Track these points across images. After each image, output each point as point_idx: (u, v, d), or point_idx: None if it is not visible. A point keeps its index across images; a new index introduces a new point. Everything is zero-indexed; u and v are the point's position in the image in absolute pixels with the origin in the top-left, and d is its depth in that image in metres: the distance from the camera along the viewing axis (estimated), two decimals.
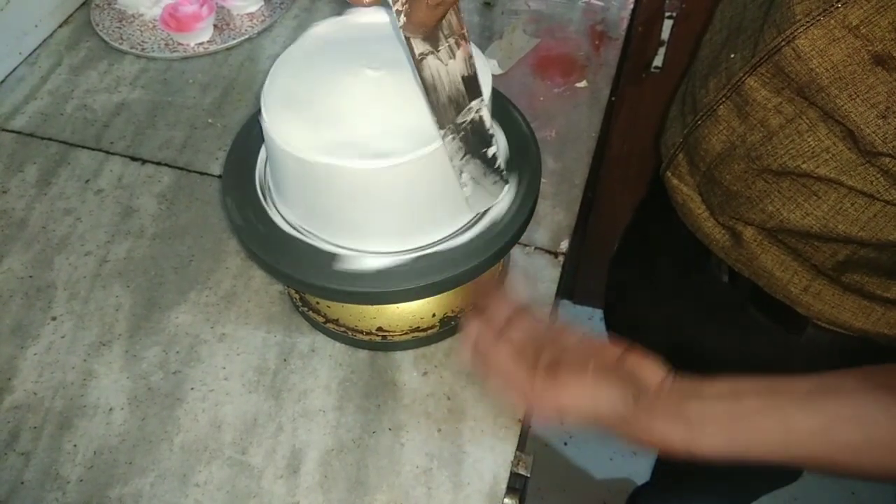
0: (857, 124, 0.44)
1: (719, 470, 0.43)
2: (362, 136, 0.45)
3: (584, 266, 1.53)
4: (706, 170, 0.58)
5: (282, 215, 0.52)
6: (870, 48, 0.42)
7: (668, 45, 1.09)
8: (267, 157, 0.54)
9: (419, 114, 0.46)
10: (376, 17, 0.53)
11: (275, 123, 0.46)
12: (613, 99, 0.83)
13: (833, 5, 0.43)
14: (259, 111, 0.47)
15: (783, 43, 0.47)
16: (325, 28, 0.53)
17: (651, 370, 0.44)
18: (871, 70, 0.43)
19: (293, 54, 0.51)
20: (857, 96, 0.44)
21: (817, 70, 0.45)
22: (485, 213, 0.51)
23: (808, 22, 0.45)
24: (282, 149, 0.45)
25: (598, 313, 1.65)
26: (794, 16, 0.45)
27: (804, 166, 0.49)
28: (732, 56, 0.55)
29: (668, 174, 0.64)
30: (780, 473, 0.88)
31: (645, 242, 0.84)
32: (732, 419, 0.41)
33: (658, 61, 1.12)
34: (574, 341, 0.46)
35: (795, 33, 0.45)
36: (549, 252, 0.65)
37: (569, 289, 1.64)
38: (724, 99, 0.54)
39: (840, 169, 0.48)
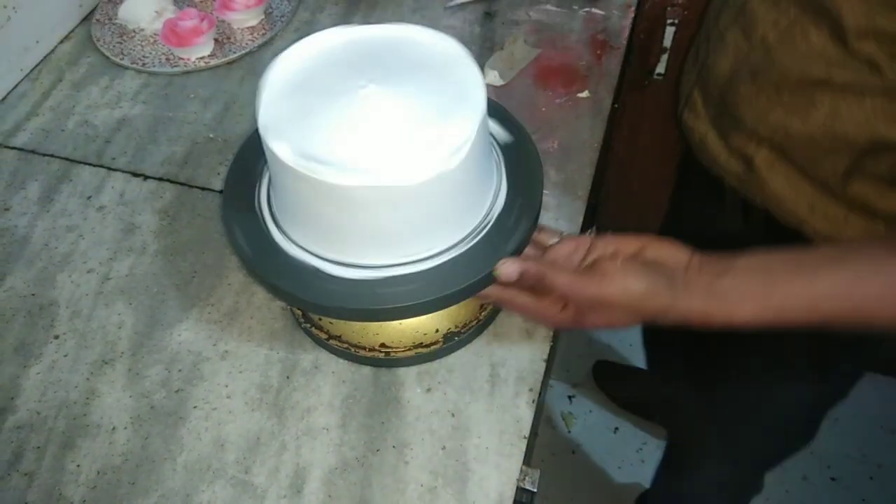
0: (841, 9, 0.49)
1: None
2: (366, 153, 0.45)
3: None
4: (718, 98, 0.64)
5: (282, 230, 0.51)
6: None
7: (670, 52, 1.09)
8: (269, 173, 0.54)
9: (423, 129, 0.46)
10: (374, 29, 0.53)
11: (276, 141, 0.46)
12: (616, 106, 0.83)
13: None
14: (259, 127, 0.47)
15: None
16: (323, 38, 0.52)
17: (675, 253, 0.47)
18: None
19: (289, 65, 0.51)
20: None
21: None
22: (487, 226, 0.51)
23: None
24: (284, 165, 0.45)
25: None
26: None
27: (799, 70, 0.54)
28: None
29: (685, 114, 0.70)
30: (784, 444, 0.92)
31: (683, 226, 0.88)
32: (765, 287, 0.44)
33: (661, 68, 1.12)
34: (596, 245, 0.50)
35: None
36: None
37: None
38: (731, 24, 0.61)
39: (830, 66, 0.52)
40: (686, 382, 0.98)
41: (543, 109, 0.78)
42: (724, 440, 0.93)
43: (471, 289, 0.49)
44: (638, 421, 1.46)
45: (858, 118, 0.52)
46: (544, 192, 0.55)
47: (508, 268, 0.48)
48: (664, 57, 1.10)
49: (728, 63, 0.62)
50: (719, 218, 0.72)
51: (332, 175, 0.44)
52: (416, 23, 0.55)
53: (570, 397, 1.52)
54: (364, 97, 0.47)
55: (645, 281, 0.46)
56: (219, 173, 0.73)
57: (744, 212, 0.68)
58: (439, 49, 0.51)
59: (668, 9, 1.04)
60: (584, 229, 0.68)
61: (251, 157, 0.56)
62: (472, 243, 0.50)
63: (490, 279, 0.50)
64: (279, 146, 0.45)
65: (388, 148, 0.45)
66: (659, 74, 1.13)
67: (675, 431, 1.18)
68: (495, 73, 0.80)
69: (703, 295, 0.45)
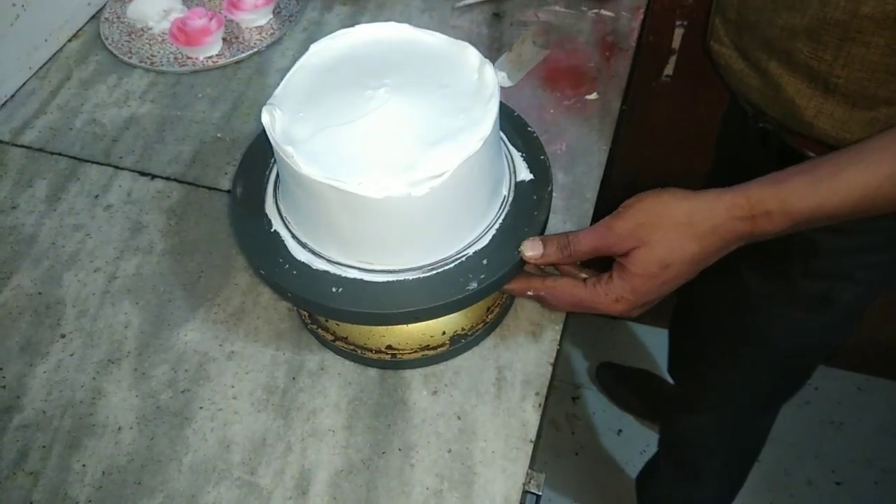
0: None
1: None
2: (403, 156, 0.45)
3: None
4: (735, 17, 0.67)
5: (291, 231, 0.51)
6: None
7: (679, 54, 1.09)
8: (277, 175, 0.54)
9: (444, 118, 0.46)
10: (384, 31, 0.53)
11: (310, 165, 0.45)
12: (624, 108, 0.83)
13: None
14: (285, 155, 0.47)
15: None
16: (334, 42, 0.52)
17: (713, 209, 0.47)
18: None
19: (302, 68, 0.51)
20: None
21: None
22: (511, 198, 0.52)
23: None
24: (295, 172, 0.45)
25: (608, 321, 1.64)
26: None
27: None
28: None
29: (712, 44, 0.72)
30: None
31: None
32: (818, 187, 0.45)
33: (669, 70, 1.12)
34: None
35: None
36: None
37: None
38: None
39: None
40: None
41: (552, 111, 0.78)
42: (720, 379, 0.95)
43: (476, 295, 0.49)
44: (642, 423, 1.46)
45: (844, 2, 0.55)
46: (553, 194, 0.55)
47: (532, 244, 0.49)
48: (673, 59, 1.10)
49: None
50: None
51: (344, 182, 0.44)
52: (425, 23, 0.55)
53: (573, 399, 1.51)
54: (377, 103, 0.47)
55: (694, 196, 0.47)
56: (226, 173, 0.73)
57: (763, 142, 0.72)
58: (453, 52, 0.51)
59: (678, 10, 1.04)
60: None
61: (259, 156, 0.56)
62: (479, 248, 0.50)
63: (498, 284, 0.49)
64: (291, 153, 0.45)
65: (400, 154, 0.45)
66: (667, 76, 1.13)
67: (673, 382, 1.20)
68: (503, 74, 0.80)
69: (764, 220, 0.46)
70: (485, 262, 0.49)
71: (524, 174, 0.54)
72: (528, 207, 0.52)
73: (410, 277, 0.49)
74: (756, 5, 0.64)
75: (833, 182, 0.46)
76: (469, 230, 0.50)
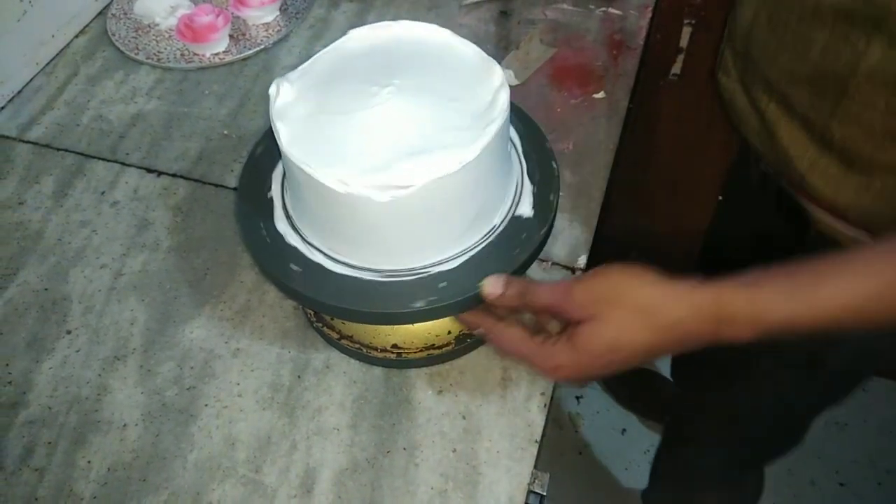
0: None
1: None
2: (381, 158, 0.45)
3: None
4: (742, 51, 0.65)
5: (297, 229, 0.51)
6: None
7: (686, 53, 1.08)
8: (284, 174, 0.54)
9: (437, 132, 0.46)
10: (424, 31, 0.52)
11: (292, 144, 0.46)
12: (631, 107, 0.82)
13: None
14: (274, 129, 0.47)
15: None
16: (372, 32, 0.52)
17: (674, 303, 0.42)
18: None
19: (333, 51, 0.51)
20: None
21: None
22: (501, 229, 0.51)
23: None
24: (300, 170, 0.45)
25: None
26: None
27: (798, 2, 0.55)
28: None
29: (719, 75, 0.70)
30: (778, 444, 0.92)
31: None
32: (796, 298, 0.41)
33: (677, 69, 1.11)
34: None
35: None
36: (567, 267, 0.64)
37: None
38: None
39: None
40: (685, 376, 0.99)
41: (559, 110, 0.77)
42: (714, 428, 0.94)
43: (425, 313, 0.48)
44: (645, 422, 1.46)
45: (848, 52, 0.52)
46: (559, 194, 0.55)
47: (494, 282, 0.46)
48: (680, 57, 1.09)
49: (750, 10, 0.63)
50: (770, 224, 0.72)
51: (311, 167, 0.44)
52: (432, 20, 0.54)
53: (577, 398, 1.51)
54: (378, 100, 0.47)
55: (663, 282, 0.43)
56: (233, 170, 0.73)
57: (763, 183, 0.70)
58: (462, 52, 0.50)
59: (686, 8, 1.03)
60: (597, 231, 0.68)
61: (266, 154, 0.56)
62: (486, 247, 0.50)
63: (447, 310, 0.48)
64: (279, 129, 0.45)
65: (380, 155, 0.45)
66: (675, 75, 1.12)
67: (671, 422, 1.19)
68: (511, 72, 0.80)
69: (738, 325, 0.41)
70: (442, 284, 0.48)
71: (526, 209, 0.52)
72: (512, 244, 0.50)
73: (366, 277, 0.48)
74: (761, 40, 0.63)
75: (809, 295, 0.41)
76: (435, 249, 0.49)
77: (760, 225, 0.78)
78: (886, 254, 0.42)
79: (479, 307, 0.48)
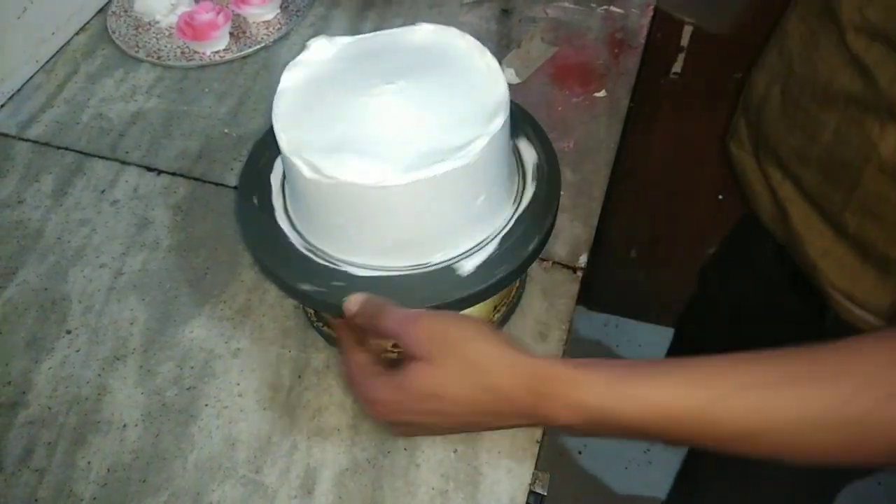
0: (848, 9, 0.50)
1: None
2: (380, 154, 0.45)
3: (598, 273, 1.52)
4: (756, 122, 0.64)
5: (296, 228, 0.51)
6: None
7: (687, 52, 1.08)
8: (284, 173, 0.53)
9: (437, 128, 0.46)
10: (453, 38, 0.52)
11: (290, 141, 0.46)
12: (632, 105, 0.82)
13: None
14: (273, 128, 0.47)
15: None
16: (334, 41, 0.52)
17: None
18: None
19: (301, 68, 0.51)
20: None
21: None
22: (503, 228, 0.51)
23: None
24: (299, 168, 0.44)
25: (614, 319, 1.64)
26: None
27: (812, 81, 0.55)
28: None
29: (731, 144, 0.69)
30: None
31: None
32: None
33: (677, 67, 1.11)
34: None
35: None
36: (568, 267, 0.64)
37: (584, 295, 1.64)
38: (772, 45, 0.63)
39: (833, 73, 0.53)
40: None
41: (560, 108, 0.77)
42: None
43: (485, 292, 0.48)
44: None
45: (860, 139, 0.51)
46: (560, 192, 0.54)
47: (356, 299, 0.44)
48: (681, 56, 1.09)
49: (763, 82, 0.62)
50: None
51: (347, 176, 0.43)
52: (433, 19, 0.55)
53: None
54: (381, 99, 0.47)
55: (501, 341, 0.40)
56: (233, 169, 0.72)
57: (779, 261, 0.66)
58: (462, 50, 0.50)
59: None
60: (598, 230, 0.68)
61: (266, 153, 0.56)
62: (488, 246, 0.50)
63: (507, 282, 0.49)
64: (294, 153, 0.45)
65: (408, 151, 0.45)
66: (675, 73, 1.12)
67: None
68: (512, 70, 0.79)
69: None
70: (494, 260, 0.49)
71: (526, 206, 0.51)
72: (513, 243, 0.49)
73: (417, 273, 0.48)
74: (773, 115, 0.61)
75: (635, 386, 0.37)
76: (439, 247, 0.49)
77: (768, 297, 0.74)
78: (726, 366, 0.37)
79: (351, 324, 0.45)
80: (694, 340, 1.00)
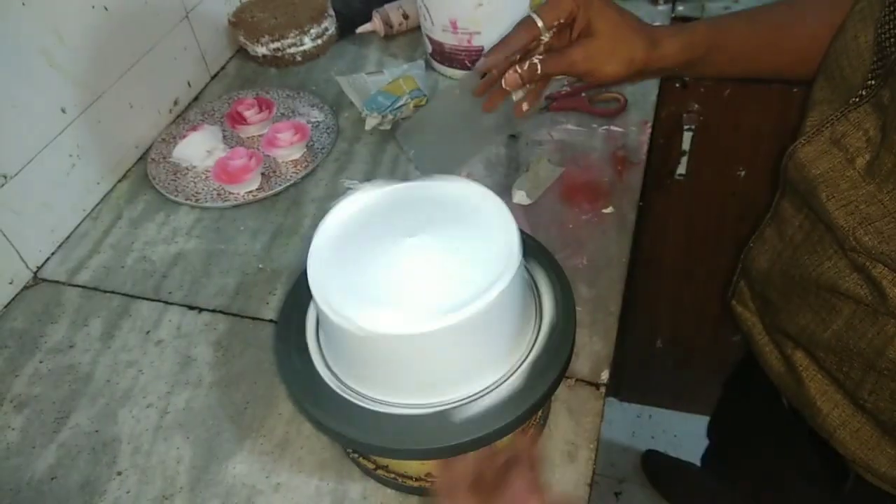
0: (834, 219, 0.51)
1: None
2: (408, 303, 0.49)
3: (628, 363, 1.53)
4: (760, 290, 0.65)
5: (331, 368, 0.55)
6: (848, 157, 0.50)
7: (690, 154, 1.13)
8: (318, 314, 0.57)
9: (461, 277, 0.50)
10: (399, 188, 0.57)
11: (323, 293, 0.50)
12: (641, 204, 0.86)
13: (824, 124, 0.52)
14: (308, 277, 0.51)
15: (787, 158, 0.57)
16: (360, 197, 0.57)
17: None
18: (849, 177, 0.50)
19: (331, 225, 0.55)
20: (841, 204, 0.51)
21: (811, 178, 0.53)
22: (526, 357, 0.54)
23: (805, 140, 0.55)
24: (333, 322, 0.49)
25: (647, 410, 1.63)
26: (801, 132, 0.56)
27: (815, 274, 0.55)
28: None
29: (734, 303, 0.70)
30: None
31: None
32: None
33: (682, 169, 1.16)
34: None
35: (796, 148, 0.56)
36: (591, 384, 0.67)
37: (614, 386, 1.64)
38: (769, 221, 0.65)
39: (838, 276, 0.53)
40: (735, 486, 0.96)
41: (570, 226, 0.82)
42: None
43: (516, 423, 0.51)
44: None
45: (873, 333, 0.51)
46: (577, 308, 0.57)
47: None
48: (684, 159, 1.14)
49: (765, 260, 0.63)
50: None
51: (375, 326, 0.47)
52: None
53: (616, 494, 1.49)
54: (405, 251, 0.51)
55: None
56: (268, 303, 0.77)
57: (794, 421, 0.66)
58: (475, 199, 0.55)
59: (685, 115, 1.09)
60: (617, 345, 0.70)
61: (302, 291, 0.60)
62: (513, 375, 0.53)
63: (535, 409, 0.51)
64: (328, 305, 0.49)
65: (430, 296, 0.49)
66: (680, 175, 1.17)
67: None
68: (522, 192, 0.85)
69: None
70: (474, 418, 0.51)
71: (546, 332, 0.55)
72: (536, 372, 0.53)
73: (447, 409, 0.51)
74: (778, 295, 0.61)
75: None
76: (466, 384, 0.52)
77: (787, 453, 0.73)
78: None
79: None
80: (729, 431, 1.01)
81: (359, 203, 0.57)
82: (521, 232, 0.52)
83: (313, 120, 0.98)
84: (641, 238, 1.20)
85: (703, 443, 1.40)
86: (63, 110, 0.84)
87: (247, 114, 0.96)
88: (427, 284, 0.50)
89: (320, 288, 0.50)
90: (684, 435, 1.55)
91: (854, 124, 0.50)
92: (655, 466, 1.48)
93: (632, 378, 1.58)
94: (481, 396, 0.52)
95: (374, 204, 0.57)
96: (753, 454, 0.79)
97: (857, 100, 0.50)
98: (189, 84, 1.06)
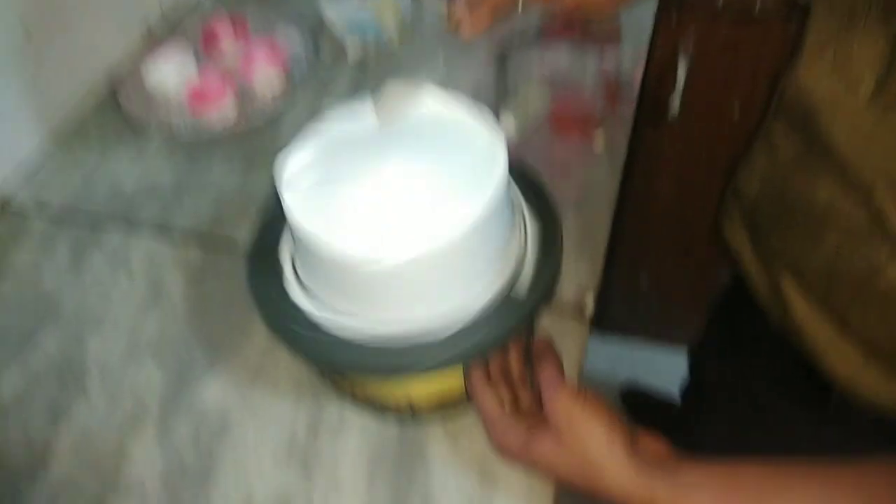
0: (843, 152, 0.49)
1: None
2: (388, 223, 0.46)
3: (612, 297, 1.52)
4: (750, 215, 0.64)
5: (308, 292, 0.52)
6: (851, 80, 0.48)
7: (683, 93, 1.10)
8: (294, 240, 0.55)
9: (441, 195, 0.47)
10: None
11: (299, 213, 0.47)
12: (634, 145, 0.84)
13: (824, 47, 0.51)
14: (282, 199, 0.48)
15: (785, 82, 0.55)
16: (336, 119, 0.54)
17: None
18: (852, 102, 0.48)
19: (307, 143, 0.53)
20: (844, 127, 0.49)
21: (811, 102, 0.52)
22: (508, 279, 0.52)
23: (804, 65, 0.53)
24: (310, 240, 0.46)
25: (628, 343, 1.64)
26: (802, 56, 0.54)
27: (807, 197, 0.54)
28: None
29: (725, 223, 0.70)
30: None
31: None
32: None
33: (675, 103, 1.13)
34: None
35: (795, 72, 0.53)
36: (575, 310, 0.65)
37: (597, 319, 1.63)
38: (759, 145, 0.63)
39: (833, 198, 0.52)
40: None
41: (560, 157, 0.79)
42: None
43: (495, 342, 0.49)
44: None
45: (865, 261, 0.50)
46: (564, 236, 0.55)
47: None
48: (677, 94, 1.11)
49: (754, 186, 0.62)
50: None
51: (354, 248, 0.45)
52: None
53: None
54: (384, 173, 0.48)
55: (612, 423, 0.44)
56: (243, 233, 0.74)
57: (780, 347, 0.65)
58: (460, 116, 0.52)
59: (680, 48, 1.05)
60: (604, 275, 0.68)
61: (274, 218, 0.57)
62: (492, 306, 0.51)
63: (516, 329, 0.50)
64: (305, 224, 0.46)
65: (411, 218, 0.46)
66: (673, 115, 1.14)
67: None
68: (511, 121, 0.82)
69: (664, 477, 0.41)
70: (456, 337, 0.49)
71: (531, 260, 0.53)
72: (519, 297, 0.51)
73: (427, 329, 0.49)
74: (768, 219, 0.60)
75: None
76: (449, 309, 0.49)
77: (766, 369, 0.72)
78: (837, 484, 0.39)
79: (477, 366, 0.50)
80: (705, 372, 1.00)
81: (337, 123, 0.53)
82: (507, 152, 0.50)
83: (292, 46, 0.93)
84: (633, 174, 1.18)
85: (683, 377, 1.41)
86: (28, 31, 0.80)
87: (221, 36, 0.91)
88: (407, 208, 0.47)
89: (296, 211, 0.48)
90: (665, 370, 1.56)
91: (857, 44, 0.48)
92: (634, 399, 1.50)
93: (614, 313, 1.58)
94: (461, 316, 0.50)
95: (351, 126, 0.53)
96: (736, 377, 0.78)
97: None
98: (160, 6, 1.01)
